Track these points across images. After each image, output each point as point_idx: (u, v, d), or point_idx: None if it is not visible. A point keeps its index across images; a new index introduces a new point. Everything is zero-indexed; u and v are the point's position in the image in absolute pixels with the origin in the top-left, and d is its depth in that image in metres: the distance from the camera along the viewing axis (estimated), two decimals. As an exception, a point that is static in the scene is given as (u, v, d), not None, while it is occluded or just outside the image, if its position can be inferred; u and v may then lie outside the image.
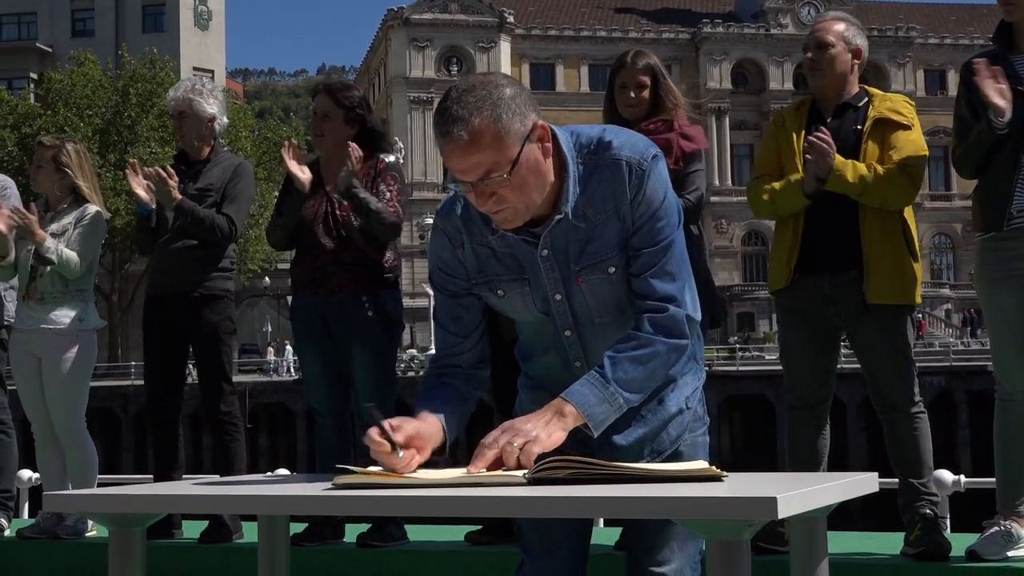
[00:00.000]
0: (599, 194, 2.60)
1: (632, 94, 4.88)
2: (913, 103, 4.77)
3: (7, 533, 6.02)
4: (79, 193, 5.91)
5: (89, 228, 5.83)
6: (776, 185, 4.61)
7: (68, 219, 5.84)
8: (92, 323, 5.88)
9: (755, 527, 2.17)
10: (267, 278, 50.00)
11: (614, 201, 2.59)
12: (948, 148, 4.41)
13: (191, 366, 5.91)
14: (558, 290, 2.67)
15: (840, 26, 4.65)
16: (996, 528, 4.29)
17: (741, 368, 37.84)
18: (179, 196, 5.58)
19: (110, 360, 43.20)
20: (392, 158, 5.43)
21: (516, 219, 2.57)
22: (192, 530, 5.70)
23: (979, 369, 30.73)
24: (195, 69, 52.78)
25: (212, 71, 56.19)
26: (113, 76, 47.35)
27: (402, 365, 37.56)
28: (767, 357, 42.06)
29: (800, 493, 2.18)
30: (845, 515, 3.90)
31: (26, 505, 7.58)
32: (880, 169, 4.42)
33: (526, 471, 2.41)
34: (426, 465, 2.63)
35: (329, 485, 2.52)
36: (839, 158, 4.39)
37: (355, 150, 5.11)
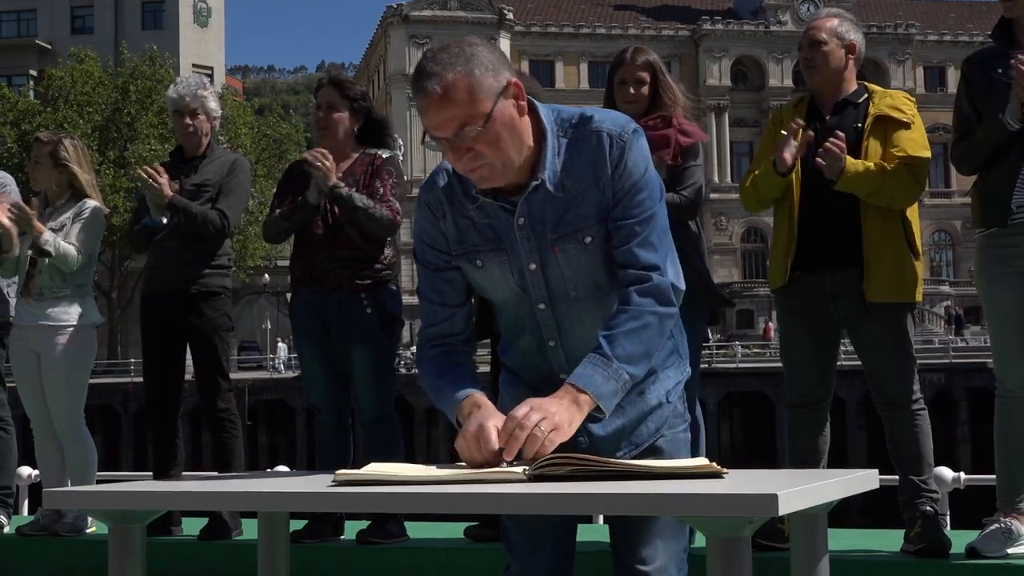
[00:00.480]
0: (579, 165, 2.63)
1: (631, 90, 4.88)
2: (913, 99, 4.76)
3: (6, 530, 6.01)
4: (78, 188, 5.91)
5: (87, 223, 5.82)
6: (757, 172, 4.62)
7: (67, 214, 5.84)
8: (92, 319, 5.87)
9: (756, 524, 2.16)
10: (267, 275, 49.95)
11: (594, 172, 2.63)
12: (948, 145, 4.38)
13: (189, 363, 5.91)
14: (533, 259, 2.69)
15: (833, 22, 4.64)
16: (996, 525, 4.29)
17: (741, 365, 37.91)
18: (170, 193, 5.57)
19: (109, 357, 43.21)
20: (389, 154, 5.42)
21: (494, 177, 2.60)
22: (192, 527, 5.69)
23: (979, 366, 30.73)
24: (194, 66, 52.82)
25: (211, 68, 56.21)
26: (113, 73, 47.33)
27: (402, 363, 37.56)
28: (766, 354, 42.09)
29: (801, 490, 2.18)
30: (845, 512, 3.90)
31: (25, 502, 7.57)
32: (889, 169, 4.41)
33: (526, 468, 2.41)
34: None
35: (329, 482, 2.51)
36: (850, 159, 4.38)
37: (311, 154, 5.15)
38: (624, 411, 2.72)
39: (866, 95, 4.62)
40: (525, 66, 70.23)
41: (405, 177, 5.61)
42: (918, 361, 4.65)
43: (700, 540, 4.23)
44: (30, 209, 5.71)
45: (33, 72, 56.87)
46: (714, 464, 2.45)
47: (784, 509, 2.06)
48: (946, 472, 5.72)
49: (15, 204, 5.75)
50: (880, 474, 2.67)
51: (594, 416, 2.58)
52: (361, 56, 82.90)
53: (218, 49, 60.90)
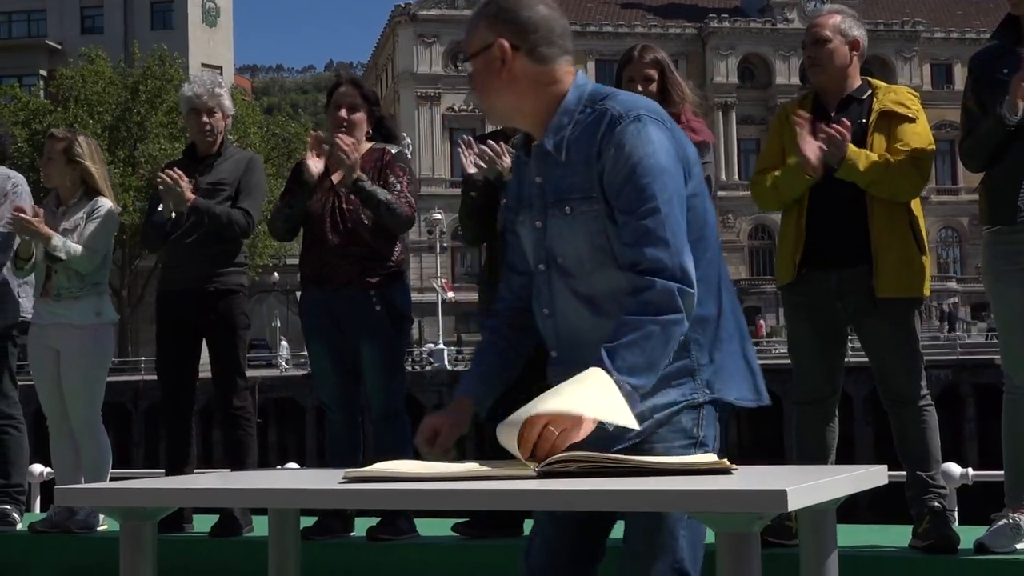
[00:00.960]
0: (584, 136, 2.70)
1: (639, 88, 4.86)
2: (917, 94, 4.75)
3: (19, 527, 6.03)
4: (91, 185, 5.91)
5: (101, 222, 5.83)
6: (777, 172, 4.60)
7: (80, 214, 5.84)
8: (108, 317, 5.91)
9: (765, 519, 2.16)
10: (276, 273, 49.97)
11: (589, 144, 2.69)
12: (955, 142, 4.36)
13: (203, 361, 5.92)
14: (540, 218, 2.78)
15: (835, 19, 4.62)
16: (1004, 521, 4.28)
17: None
18: (191, 196, 5.58)
19: (120, 355, 43.25)
20: (397, 149, 5.42)
21: (492, 115, 2.90)
22: (203, 524, 5.70)
23: (986, 362, 30.62)
24: (203, 65, 52.78)
25: (220, 67, 56.17)
26: (123, 73, 47.36)
27: (410, 360, 37.59)
28: (774, 351, 42.02)
29: (810, 486, 2.18)
30: (853, 508, 3.90)
31: (37, 499, 7.59)
32: (891, 159, 4.40)
33: (536, 465, 2.41)
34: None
35: (339, 479, 2.51)
36: (852, 147, 4.37)
37: (343, 141, 5.11)
38: None
39: (870, 91, 4.61)
40: (533, 64, 70.16)
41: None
42: (925, 357, 4.64)
43: (709, 536, 4.23)
44: (35, 217, 5.68)
45: (43, 72, 56.93)
46: (724, 460, 2.45)
47: (793, 505, 2.06)
48: (954, 468, 5.71)
49: (18, 214, 5.70)
50: (888, 470, 2.66)
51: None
52: (369, 55, 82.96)
53: (227, 48, 60.91)
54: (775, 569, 2.73)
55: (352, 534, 5.35)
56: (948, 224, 71.07)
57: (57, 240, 5.67)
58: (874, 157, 4.40)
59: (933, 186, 63.77)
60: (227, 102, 5.86)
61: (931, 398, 4.58)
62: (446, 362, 37.21)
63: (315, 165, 5.24)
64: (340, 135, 5.18)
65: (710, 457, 2.53)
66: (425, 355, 40.66)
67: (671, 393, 2.70)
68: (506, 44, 2.74)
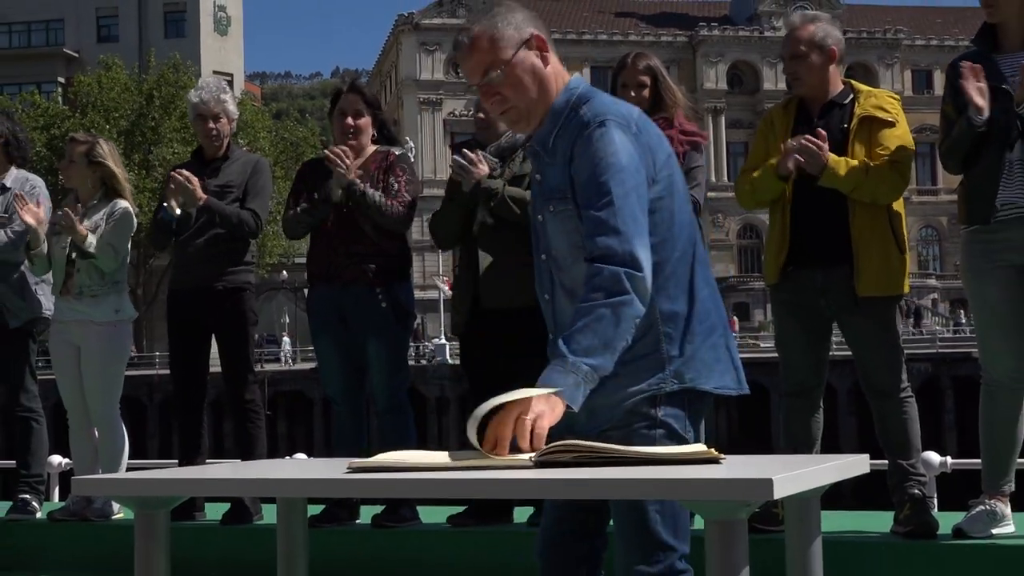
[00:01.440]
0: (566, 136, 2.74)
1: (633, 93, 4.88)
2: (898, 97, 4.74)
3: (39, 515, 6.03)
4: (110, 186, 5.94)
5: (120, 222, 5.86)
6: (755, 174, 4.60)
7: (99, 214, 5.87)
8: (127, 314, 5.93)
9: (752, 507, 2.16)
10: (284, 271, 49.95)
11: (567, 147, 2.74)
12: (935, 145, 4.37)
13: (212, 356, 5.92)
14: (540, 212, 2.83)
15: (810, 30, 4.60)
16: (981, 507, 4.29)
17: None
18: (204, 196, 5.58)
19: (135, 351, 43.24)
20: (401, 151, 5.43)
21: (521, 121, 2.81)
22: (214, 512, 5.71)
23: (964, 356, 30.64)
24: (215, 72, 52.71)
25: (231, 74, 56.12)
26: (138, 80, 47.34)
27: (414, 355, 37.60)
28: (762, 345, 42.02)
29: (795, 475, 2.18)
30: (837, 495, 3.90)
31: (56, 489, 7.60)
32: (871, 165, 4.40)
33: (531, 455, 2.40)
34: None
35: (345, 469, 2.51)
36: (832, 156, 4.37)
37: (332, 151, 5.13)
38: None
39: (852, 95, 4.61)
40: (530, 71, 70.16)
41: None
42: (906, 351, 4.64)
43: (698, 522, 4.23)
44: (73, 214, 5.72)
45: (61, 79, 56.88)
46: (712, 450, 2.45)
47: (779, 493, 2.06)
48: (933, 457, 5.72)
49: (64, 213, 5.74)
50: (870, 459, 2.67)
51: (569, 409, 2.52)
52: (374, 62, 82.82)
53: (237, 56, 60.84)
54: (762, 554, 2.72)
55: (357, 521, 5.36)
56: (928, 223, 71.00)
57: (92, 239, 5.71)
58: (854, 163, 4.39)
59: (914, 187, 63.69)
60: (232, 107, 5.86)
61: (911, 390, 4.58)
62: (447, 357, 37.21)
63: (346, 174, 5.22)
64: (331, 147, 5.20)
65: (699, 447, 2.53)
66: (428, 350, 40.68)
67: (639, 383, 2.71)
68: (542, 36, 2.79)
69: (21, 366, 6.16)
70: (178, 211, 5.65)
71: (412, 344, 29.63)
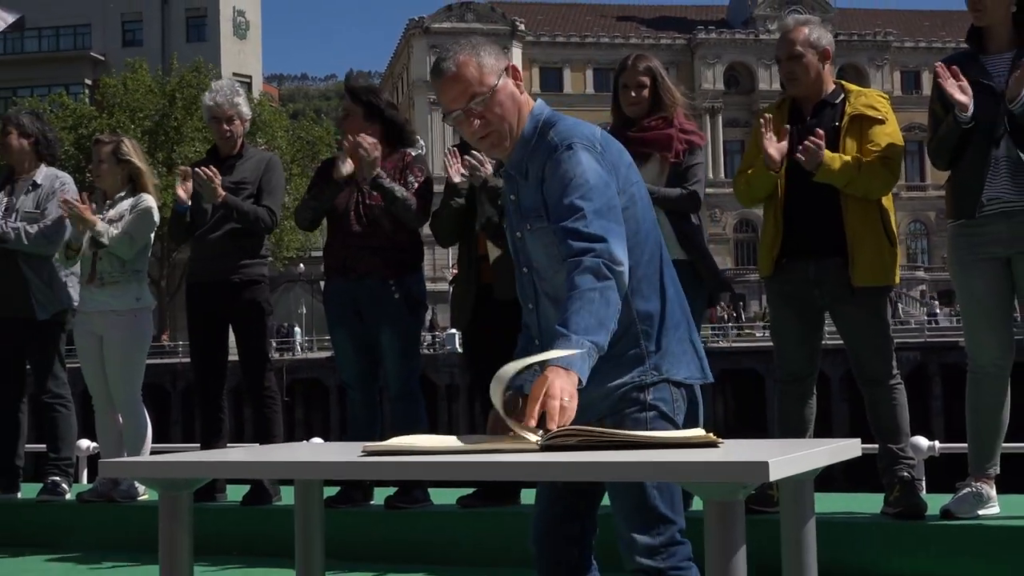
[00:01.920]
0: (536, 160, 2.76)
1: (633, 94, 4.88)
2: (887, 96, 4.74)
3: (68, 497, 6.06)
4: (138, 182, 5.97)
5: (141, 213, 5.90)
6: (751, 171, 4.60)
7: (125, 205, 5.92)
8: (147, 301, 5.95)
9: (748, 489, 2.16)
10: (302, 264, 49.96)
11: (538, 170, 2.75)
12: (923, 143, 4.39)
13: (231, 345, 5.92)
14: (518, 229, 2.85)
15: (804, 32, 4.59)
16: (968, 489, 4.29)
17: (734, 344, 37.88)
18: (223, 193, 5.59)
19: (158, 340, 43.26)
20: (416, 152, 5.43)
21: (501, 144, 2.79)
22: (235, 494, 5.72)
23: (952, 344, 30.63)
24: (234, 75, 52.68)
25: (250, 76, 56.08)
26: (161, 82, 47.37)
27: (425, 344, 37.60)
28: (757, 335, 42.02)
29: (790, 458, 2.18)
30: (830, 478, 3.89)
31: (84, 471, 7.62)
32: (863, 161, 4.39)
33: (538, 438, 2.40)
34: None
35: (359, 453, 2.51)
36: (827, 153, 4.36)
37: (364, 139, 5.12)
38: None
39: (843, 95, 4.60)
40: (535, 73, 70.17)
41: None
42: (895, 340, 4.64)
43: (697, 504, 4.23)
44: (81, 204, 5.75)
45: (88, 81, 56.88)
46: (710, 435, 2.45)
47: (775, 475, 2.06)
48: (922, 441, 5.71)
49: (66, 200, 5.77)
50: (862, 443, 2.66)
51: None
52: (386, 64, 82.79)
53: (256, 59, 60.78)
54: (758, 533, 2.72)
55: (371, 503, 5.37)
56: (917, 218, 70.88)
57: (101, 226, 5.73)
58: (848, 160, 4.39)
59: (903, 183, 63.60)
60: (245, 109, 5.88)
61: (901, 377, 4.57)
62: (457, 346, 37.24)
63: (346, 167, 5.24)
64: (363, 135, 5.19)
65: (698, 432, 2.52)
66: (439, 339, 40.71)
67: (624, 376, 2.75)
68: (515, 66, 2.81)
69: (50, 355, 6.18)
70: (188, 201, 5.68)
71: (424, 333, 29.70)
